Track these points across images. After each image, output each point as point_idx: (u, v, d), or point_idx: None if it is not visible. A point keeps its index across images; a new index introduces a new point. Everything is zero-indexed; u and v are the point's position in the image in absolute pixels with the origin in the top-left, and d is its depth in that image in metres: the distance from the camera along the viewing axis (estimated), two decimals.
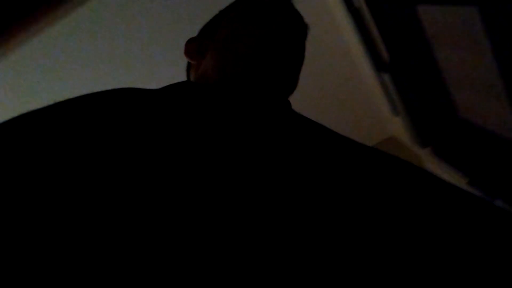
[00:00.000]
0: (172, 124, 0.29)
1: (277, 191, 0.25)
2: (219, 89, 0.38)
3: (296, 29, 0.52)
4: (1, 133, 0.28)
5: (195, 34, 0.61)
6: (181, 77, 0.60)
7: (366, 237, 0.23)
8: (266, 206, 0.24)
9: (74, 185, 0.24)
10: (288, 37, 0.50)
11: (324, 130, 0.34)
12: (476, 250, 0.25)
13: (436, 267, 0.23)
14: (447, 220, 0.26)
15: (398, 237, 0.24)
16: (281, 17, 0.51)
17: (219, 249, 0.22)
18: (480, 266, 0.24)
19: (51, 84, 1.79)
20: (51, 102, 0.32)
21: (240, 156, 0.27)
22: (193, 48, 0.54)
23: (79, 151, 0.26)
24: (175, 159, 0.26)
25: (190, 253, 0.22)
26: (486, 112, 1.18)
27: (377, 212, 0.25)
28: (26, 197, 0.23)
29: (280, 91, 0.50)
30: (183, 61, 0.60)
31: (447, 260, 0.23)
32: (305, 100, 2.19)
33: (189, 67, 0.60)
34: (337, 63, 2.07)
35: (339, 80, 2.10)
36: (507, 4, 0.83)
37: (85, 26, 1.70)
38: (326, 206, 0.25)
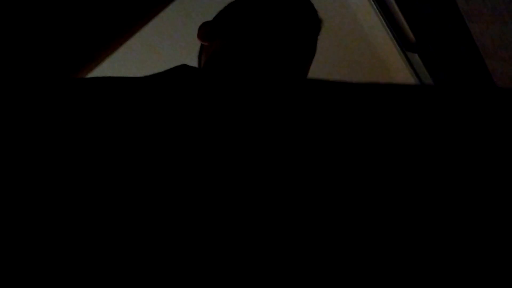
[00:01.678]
0: (170, 119, 0.29)
1: (277, 190, 0.24)
2: (221, 78, 0.37)
3: (308, 26, 0.53)
4: None
5: None
6: None
7: (367, 236, 0.23)
8: (265, 206, 0.24)
9: (72, 185, 0.23)
10: (298, 34, 0.51)
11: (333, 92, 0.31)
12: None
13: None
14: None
15: (399, 235, 0.23)
16: (293, 13, 0.52)
17: (219, 249, 0.22)
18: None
19: None
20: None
21: (240, 153, 0.26)
22: (206, 31, 0.55)
23: (76, 148, 0.25)
24: (174, 157, 0.26)
25: (189, 253, 0.21)
26: None
27: (380, 210, 0.24)
28: (25, 197, 0.23)
29: (288, 72, 0.50)
30: None
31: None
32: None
33: (201, 52, 0.61)
34: (360, 47, 2.05)
35: (364, 64, 2.08)
36: None
37: None
38: (327, 204, 0.24)
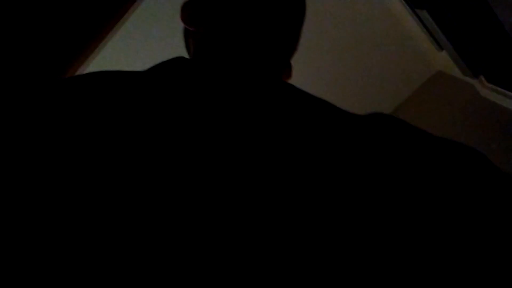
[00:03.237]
0: (165, 118, 0.28)
1: (273, 190, 0.25)
2: (213, 71, 0.36)
3: None
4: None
5: None
6: None
7: (364, 236, 0.23)
8: (262, 206, 0.24)
9: (71, 186, 0.23)
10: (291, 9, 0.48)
11: (316, 111, 0.31)
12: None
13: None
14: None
15: (396, 236, 0.23)
16: None
17: (217, 249, 0.22)
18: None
19: None
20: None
21: (236, 154, 0.26)
22: (190, 14, 0.49)
23: (74, 148, 0.25)
24: (170, 158, 0.25)
25: (188, 254, 0.22)
26: None
27: (374, 210, 0.24)
28: (25, 198, 0.23)
29: (280, 53, 0.48)
30: None
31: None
32: (345, 49, 2.14)
33: (187, 35, 0.55)
34: (371, 8, 1.99)
35: (375, 25, 2.02)
36: None
37: None
38: (320, 204, 0.24)
